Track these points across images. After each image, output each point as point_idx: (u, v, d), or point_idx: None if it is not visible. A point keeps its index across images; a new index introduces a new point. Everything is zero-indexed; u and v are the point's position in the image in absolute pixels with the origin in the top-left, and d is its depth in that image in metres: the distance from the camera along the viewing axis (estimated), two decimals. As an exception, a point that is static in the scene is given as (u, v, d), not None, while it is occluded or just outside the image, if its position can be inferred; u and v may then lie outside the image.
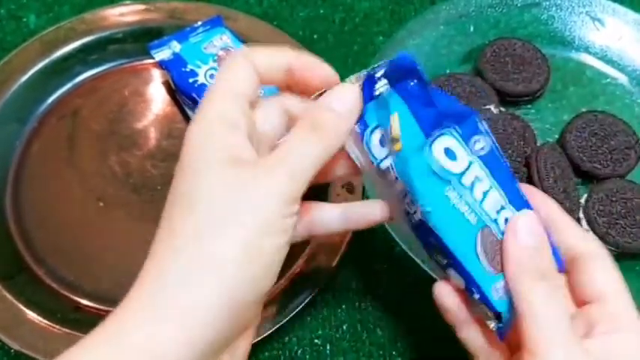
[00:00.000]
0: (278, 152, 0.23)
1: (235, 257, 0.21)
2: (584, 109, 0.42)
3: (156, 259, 0.22)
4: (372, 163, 0.25)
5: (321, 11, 0.47)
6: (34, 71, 0.41)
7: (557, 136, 0.41)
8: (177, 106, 0.41)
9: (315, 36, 0.46)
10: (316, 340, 0.34)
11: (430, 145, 0.24)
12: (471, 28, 0.44)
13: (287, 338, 0.34)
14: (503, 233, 0.24)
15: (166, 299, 0.21)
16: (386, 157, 0.25)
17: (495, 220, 0.24)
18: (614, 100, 0.43)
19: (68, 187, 0.38)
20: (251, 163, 0.23)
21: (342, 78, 0.45)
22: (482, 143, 0.25)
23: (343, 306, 0.35)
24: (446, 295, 0.26)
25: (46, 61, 0.42)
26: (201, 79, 0.39)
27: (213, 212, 0.22)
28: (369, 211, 0.26)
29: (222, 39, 0.41)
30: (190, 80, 0.39)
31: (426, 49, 0.43)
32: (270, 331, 0.32)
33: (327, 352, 0.34)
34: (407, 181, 0.24)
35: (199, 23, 0.42)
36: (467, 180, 0.24)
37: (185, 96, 0.39)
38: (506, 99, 0.42)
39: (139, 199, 0.38)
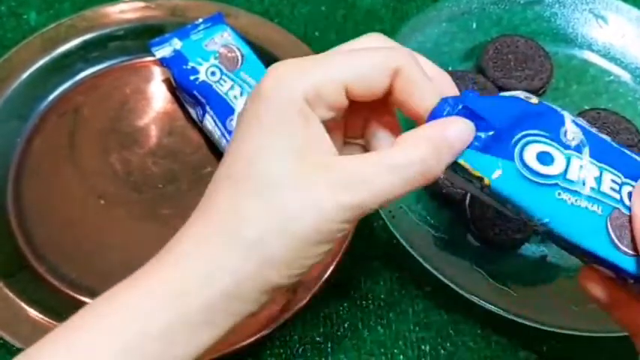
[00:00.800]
0: (369, 158, 0.21)
1: (280, 248, 0.21)
2: (587, 107, 0.41)
3: (197, 223, 0.23)
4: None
5: (323, 8, 0.47)
6: (35, 68, 0.41)
7: (559, 134, 0.41)
8: (178, 104, 0.41)
9: (317, 33, 0.46)
10: (318, 338, 0.34)
11: (521, 161, 0.23)
12: (474, 25, 0.44)
13: (288, 336, 0.34)
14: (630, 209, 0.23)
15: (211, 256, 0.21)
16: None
17: (620, 200, 0.23)
18: (617, 98, 0.43)
19: (69, 184, 0.38)
20: (329, 152, 0.21)
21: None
22: (573, 132, 0.24)
23: (345, 304, 0.35)
24: (593, 287, 0.25)
25: (47, 58, 0.42)
26: (202, 77, 0.39)
27: (274, 203, 0.21)
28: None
29: (223, 36, 0.40)
30: (191, 78, 0.39)
31: (428, 46, 0.43)
32: (272, 329, 0.32)
33: (329, 350, 0.34)
34: (513, 204, 0.23)
35: (200, 20, 0.41)
36: (573, 175, 0.23)
37: (186, 93, 0.39)
38: (509, 96, 0.42)
39: (139, 197, 0.38)
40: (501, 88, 0.42)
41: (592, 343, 0.33)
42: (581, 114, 0.41)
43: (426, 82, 0.22)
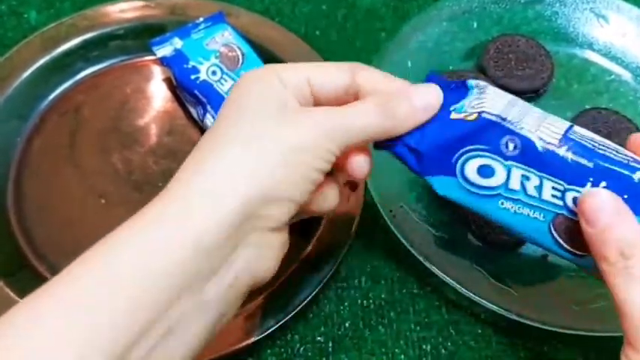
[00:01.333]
0: (339, 107, 0.25)
1: (248, 164, 0.24)
2: (587, 106, 0.41)
3: (181, 169, 0.25)
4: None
5: (324, 7, 0.47)
6: (35, 68, 0.41)
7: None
8: (178, 103, 0.41)
9: (317, 32, 0.46)
10: (318, 338, 0.34)
11: (462, 176, 0.26)
12: (474, 25, 0.44)
13: (289, 336, 0.34)
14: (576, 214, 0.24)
15: (171, 205, 0.24)
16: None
17: (564, 206, 0.24)
18: (618, 97, 0.42)
19: (70, 183, 0.38)
20: (296, 106, 0.25)
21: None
22: (513, 143, 0.25)
23: (346, 303, 0.35)
24: None
25: (47, 57, 0.42)
26: (202, 76, 0.39)
27: (246, 130, 0.24)
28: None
29: (224, 35, 0.40)
30: (192, 77, 0.39)
31: (429, 45, 0.43)
32: (273, 328, 0.32)
33: (330, 349, 0.34)
34: (469, 209, 0.27)
35: (201, 20, 0.41)
36: (514, 184, 0.25)
37: (187, 92, 0.39)
38: (510, 96, 0.42)
39: (140, 197, 0.38)
40: (502, 88, 0.41)
41: (593, 343, 0.33)
42: (582, 113, 0.41)
43: (388, 76, 0.27)
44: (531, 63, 0.42)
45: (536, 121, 0.25)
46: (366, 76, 0.26)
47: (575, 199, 0.24)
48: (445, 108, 0.26)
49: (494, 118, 0.25)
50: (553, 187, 0.24)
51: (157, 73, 0.42)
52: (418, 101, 0.25)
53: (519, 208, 0.25)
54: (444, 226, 0.37)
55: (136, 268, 0.22)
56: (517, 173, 0.25)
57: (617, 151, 0.24)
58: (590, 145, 0.24)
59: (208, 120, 0.38)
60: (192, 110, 0.40)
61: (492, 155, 0.25)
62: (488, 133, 0.25)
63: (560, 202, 0.24)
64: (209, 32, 0.40)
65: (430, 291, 0.36)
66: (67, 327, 0.21)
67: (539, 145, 0.24)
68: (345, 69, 0.26)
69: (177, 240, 0.22)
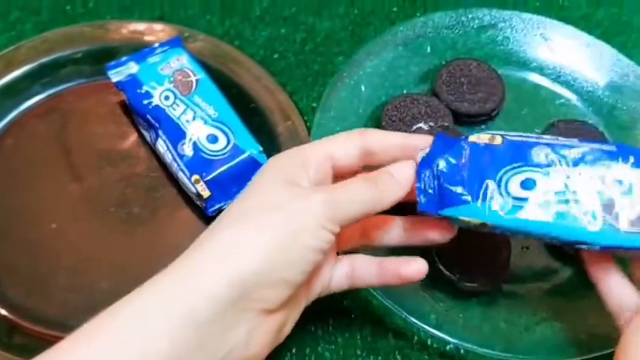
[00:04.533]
0: (333, 185, 0.28)
1: (266, 241, 0.25)
2: (537, 130, 0.42)
3: (202, 235, 0.27)
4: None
5: (283, 31, 0.48)
6: (-9, 91, 0.42)
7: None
8: (133, 127, 0.41)
9: (276, 56, 0.46)
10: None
11: (508, 195, 0.28)
12: (428, 49, 0.45)
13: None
14: None
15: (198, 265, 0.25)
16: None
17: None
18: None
19: (23, 207, 0.38)
20: (304, 185, 0.28)
21: (302, 97, 0.46)
22: (543, 152, 0.29)
23: (293, 330, 0.35)
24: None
25: (4, 80, 0.42)
26: (155, 101, 0.39)
27: (260, 204, 0.26)
28: (404, 266, 0.30)
29: (178, 60, 0.41)
30: (145, 102, 0.39)
31: (384, 69, 0.44)
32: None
33: None
34: (521, 233, 0.29)
35: (157, 44, 0.42)
36: (557, 186, 0.28)
37: (140, 117, 0.40)
38: (462, 119, 0.43)
39: (92, 221, 0.38)
40: (454, 112, 0.42)
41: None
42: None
43: (390, 132, 0.31)
44: (483, 87, 0.43)
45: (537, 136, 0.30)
46: (373, 138, 0.30)
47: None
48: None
49: (516, 139, 0.29)
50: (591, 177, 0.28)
51: (114, 97, 0.43)
52: (397, 174, 0.29)
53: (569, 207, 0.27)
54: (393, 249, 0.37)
55: (127, 338, 0.24)
56: (558, 174, 0.28)
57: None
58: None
59: (160, 144, 0.38)
60: (145, 134, 0.40)
61: (529, 168, 0.28)
62: (516, 151, 0.28)
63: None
64: (165, 57, 0.41)
65: (378, 316, 0.36)
66: None
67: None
68: (356, 137, 0.29)
69: (170, 311, 0.24)
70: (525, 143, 0.29)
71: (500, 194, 0.28)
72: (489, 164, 0.28)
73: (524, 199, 0.27)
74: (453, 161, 0.28)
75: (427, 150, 0.29)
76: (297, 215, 0.26)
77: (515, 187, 0.28)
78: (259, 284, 0.25)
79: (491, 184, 0.28)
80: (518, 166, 0.28)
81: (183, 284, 0.25)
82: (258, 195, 0.27)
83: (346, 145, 0.29)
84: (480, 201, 0.28)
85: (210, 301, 0.24)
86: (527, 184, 0.28)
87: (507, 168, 0.28)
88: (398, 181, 0.29)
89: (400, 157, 0.30)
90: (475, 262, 0.36)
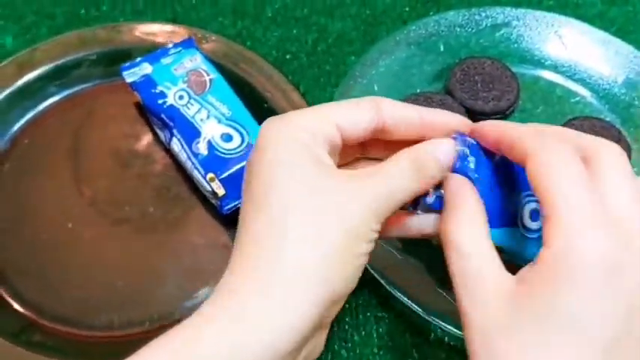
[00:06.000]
0: (374, 170, 0.24)
1: (316, 263, 0.22)
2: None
3: (236, 270, 0.23)
4: None
5: (295, 32, 0.48)
6: (8, 92, 0.42)
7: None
8: (148, 127, 0.42)
9: (288, 56, 0.46)
10: None
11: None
12: (441, 48, 0.45)
13: None
14: None
15: (246, 307, 0.22)
16: None
17: None
18: (583, 119, 0.43)
19: (37, 207, 0.38)
20: (334, 167, 0.24)
21: (315, 97, 0.46)
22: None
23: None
24: None
25: (20, 82, 0.42)
26: (170, 101, 0.39)
27: (295, 217, 0.22)
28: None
29: (192, 60, 0.41)
30: (159, 101, 0.39)
31: (396, 69, 0.44)
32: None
33: None
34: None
35: (171, 45, 0.42)
36: None
37: (154, 116, 0.40)
38: (477, 118, 0.42)
39: (108, 220, 0.38)
40: (468, 110, 0.42)
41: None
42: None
43: (408, 104, 0.27)
44: (497, 85, 0.43)
45: None
46: (389, 110, 0.26)
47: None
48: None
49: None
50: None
51: (128, 97, 0.43)
52: (443, 158, 0.25)
53: None
54: (408, 248, 0.37)
55: None
56: None
57: None
58: None
59: (174, 144, 0.38)
60: (160, 134, 0.40)
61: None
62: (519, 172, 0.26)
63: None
64: (178, 57, 0.41)
65: (394, 314, 0.36)
66: None
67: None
68: (369, 106, 0.25)
69: (252, 342, 0.21)
70: None
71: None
72: (517, 185, 0.26)
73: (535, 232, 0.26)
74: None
75: (458, 145, 0.26)
76: (350, 220, 0.22)
77: (526, 217, 0.26)
78: (334, 304, 0.23)
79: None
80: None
81: (269, 319, 0.22)
82: (293, 199, 0.22)
83: (356, 114, 0.25)
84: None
85: (293, 331, 0.22)
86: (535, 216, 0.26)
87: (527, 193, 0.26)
88: (442, 167, 0.25)
89: (415, 135, 0.26)
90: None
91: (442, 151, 0.25)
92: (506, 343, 0.21)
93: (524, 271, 0.22)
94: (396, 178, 0.24)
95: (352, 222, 0.23)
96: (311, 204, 0.22)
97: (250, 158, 0.24)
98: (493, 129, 0.26)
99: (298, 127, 0.24)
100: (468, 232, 0.23)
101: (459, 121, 0.28)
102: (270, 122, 0.25)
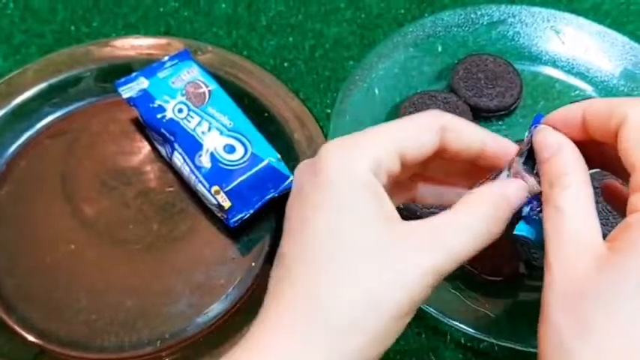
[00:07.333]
0: (440, 221, 0.22)
1: (359, 321, 0.20)
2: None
3: (286, 324, 0.21)
4: None
5: (291, 39, 0.47)
6: (2, 114, 0.41)
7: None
8: (147, 142, 0.41)
9: (286, 64, 0.46)
10: None
11: None
12: (440, 48, 0.45)
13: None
14: None
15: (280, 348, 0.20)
16: None
17: None
18: (585, 112, 0.43)
19: (39, 230, 0.37)
20: (400, 220, 0.22)
21: (315, 103, 0.45)
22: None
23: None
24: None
25: (13, 103, 0.41)
26: (169, 114, 0.38)
27: (353, 265, 0.21)
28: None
29: (189, 72, 0.40)
30: (158, 116, 0.38)
31: (396, 71, 0.43)
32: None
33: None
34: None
35: (166, 58, 0.41)
36: None
37: (154, 131, 0.39)
38: (481, 115, 0.42)
39: (110, 240, 0.37)
40: (473, 107, 0.42)
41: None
42: None
43: (472, 126, 0.24)
44: (500, 81, 0.42)
45: None
46: (454, 135, 0.24)
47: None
48: None
49: None
50: None
51: (125, 114, 0.42)
52: (514, 201, 0.24)
53: None
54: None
55: None
56: None
57: None
58: None
59: (176, 158, 0.38)
60: (161, 149, 0.40)
61: None
62: None
63: None
64: (175, 70, 0.40)
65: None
66: None
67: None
68: (433, 130, 0.23)
69: None
70: None
71: None
72: None
73: None
74: None
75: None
76: (411, 290, 0.21)
77: None
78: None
79: None
80: None
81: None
82: (341, 239, 0.21)
83: (419, 138, 0.23)
84: None
85: None
86: None
87: None
88: (511, 208, 0.23)
89: (475, 158, 0.25)
90: (496, 253, 0.35)
91: (516, 196, 0.24)
92: (595, 311, 0.20)
93: (614, 241, 0.21)
94: (473, 231, 0.22)
95: (413, 292, 0.21)
96: (371, 266, 0.21)
97: (307, 190, 0.22)
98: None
99: (362, 162, 0.22)
100: (573, 195, 0.22)
101: (516, 149, 0.26)
102: (332, 151, 0.22)
